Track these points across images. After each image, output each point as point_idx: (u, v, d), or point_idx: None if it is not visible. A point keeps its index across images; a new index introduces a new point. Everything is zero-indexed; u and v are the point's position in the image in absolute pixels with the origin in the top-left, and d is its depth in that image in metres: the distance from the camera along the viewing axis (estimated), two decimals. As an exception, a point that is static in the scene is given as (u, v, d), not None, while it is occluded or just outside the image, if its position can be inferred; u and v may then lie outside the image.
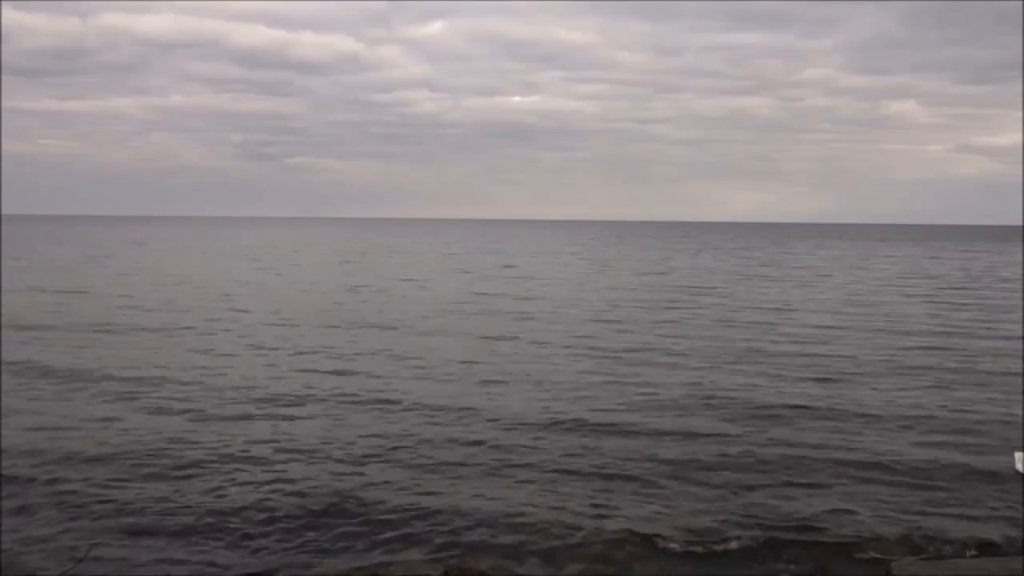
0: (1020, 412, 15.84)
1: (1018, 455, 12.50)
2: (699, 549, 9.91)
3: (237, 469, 12.51)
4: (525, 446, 13.76)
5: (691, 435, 14.41)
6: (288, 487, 11.76)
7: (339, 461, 12.95)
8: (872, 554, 9.75)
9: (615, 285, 45.04)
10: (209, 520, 10.58)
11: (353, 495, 11.46)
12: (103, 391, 17.36)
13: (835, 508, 11.10)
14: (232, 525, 10.44)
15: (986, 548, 9.89)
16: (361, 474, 12.35)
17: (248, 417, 15.49)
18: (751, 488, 11.86)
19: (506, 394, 17.48)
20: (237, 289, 40.37)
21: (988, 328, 27.88)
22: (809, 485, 11.99)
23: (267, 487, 11.76)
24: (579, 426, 14.97)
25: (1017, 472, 12.24)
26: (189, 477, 12.14)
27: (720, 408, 16.36)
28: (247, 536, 10.15)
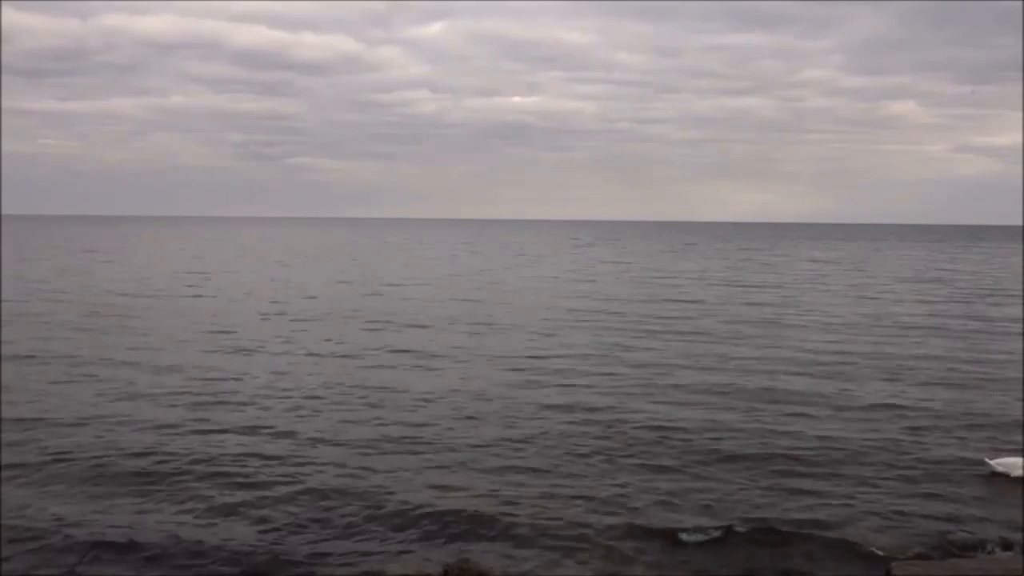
0: (1020, 415, 15.85)
1: (992, 460, 12.54)
2: (699, 548, 9.92)
3: (233, 471, 12.52)
4: (524, 447, 13.80)
5: (690, 435, 14.43)
6: (288, 488, 11.77)
7: (338, 462, 12.96)
8: (872, 554, 9.75)
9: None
10: (207, 519, 10.59)
11: (353, 495, 11.48)
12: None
13: (836, 508, 11.12)
14: (230, 525, 10.45)
15: (986, 548, 9.91)
16: (361, 475, 12.36)
17: (243, 419, 15.52)
18: (751, 488, 11.88)
19: (499, 396, 17.50)
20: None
21: (991, 330, 27.89)
22: (810, 485, 12.00)
23: (266, 488, 11.77)
24: (576, 426, 15.00)
25: (996, 473, 12.32)
26: (185, 479, 12.16)
27: (719, 408, 16.38)
28: (246, 536, 10.15)
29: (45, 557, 9.58)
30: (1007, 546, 9.98)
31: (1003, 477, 12.21)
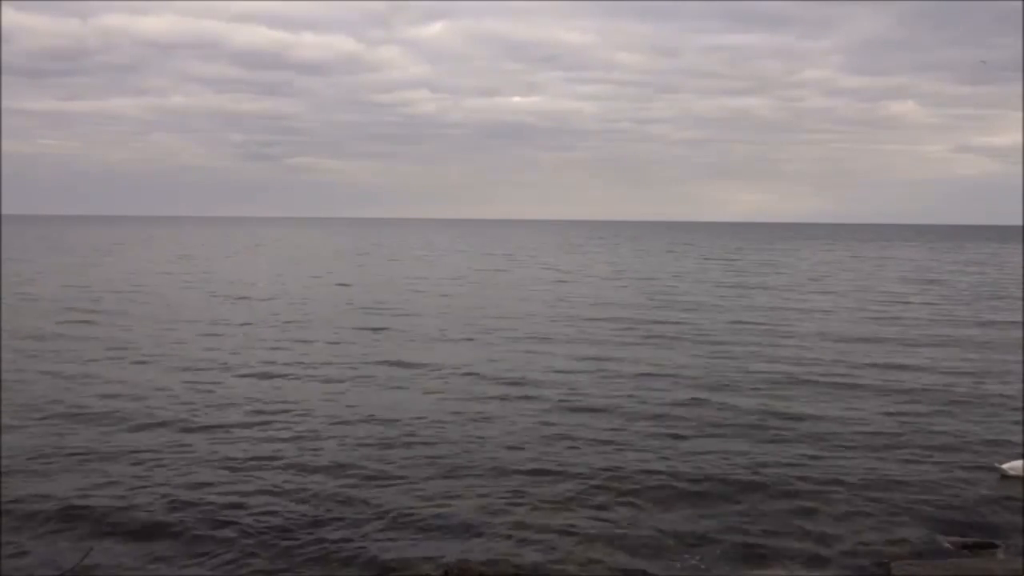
0: (1020, 413, 15.83)
1: (1003, 464, 12.54)
2: (698, 548, 9.91)
3: (234, 472, 12.52)
4: (523, 448, 13.79)
5: (689, 438, 14.43)
6: (287, 488, 11.76)
7: (338, 462, 12.96)
8: (872, 554, 9.75)
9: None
10: (208, 523, 10.56)
11: (353, 496, 11.47)
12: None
13: (836, 509, 11.10)
14: (231, 528, 10.43)
15: (986, 548, 9.90)
16: (360, 475, 12.35)
17: (241, 419, 15.50)
18: (751, 489, 11.85)
19: (499, 396, 17.45)
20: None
21: (994, 333, 27.86)
22: (810, 487, 11.98)
23: (264, 489, 11.75)
24: (574, 429, 15.00)
25: (1007, 476, 12.30)
26: (186, 481, 12.15)
27: (719, 410, 16.36)
28: (247, 537, 10.14)
29: (45, 558, 9.56)
30: (1008, 545, 9.97)
31: (1013, 480, 12.18)
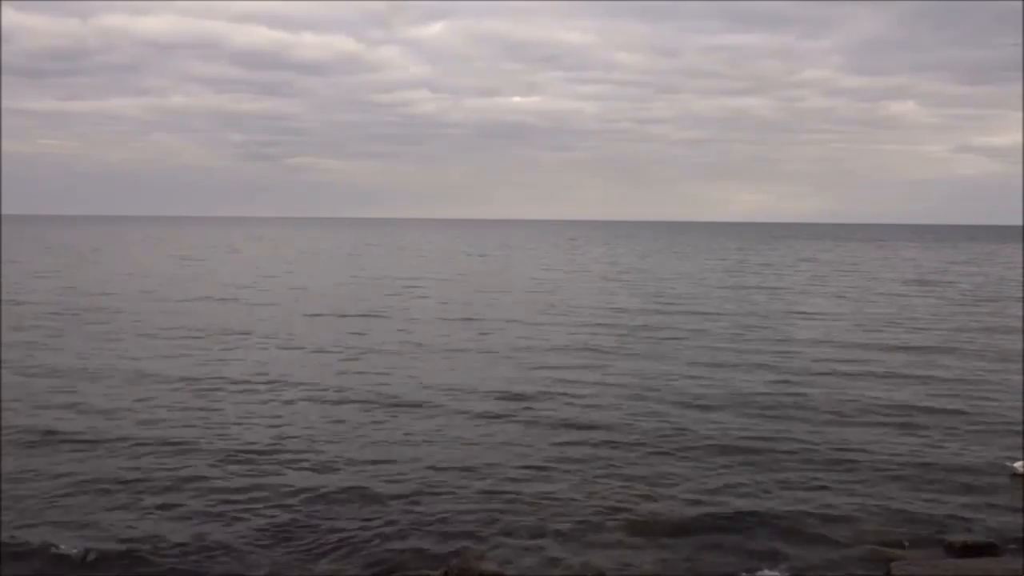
0: (1020, 416, 15.81)
1: (1015, 463, 12.52)
2: (697, 547, 9.90)
3: (232, 469, 12.51)
4: (525, 445, 13.78)
5: (688, 432, 14.42)
6: (285, 487, 11.74)
7: (337, 461, 12.94)
8: (872, 554, 9.74)
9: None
10: (205, 521, 10.54)
11: (353, 495, 11.45)
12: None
13: (836, 509, 11.09)
14: (229, 525, 10.42)
15: (986, 548, 9.88)
16: (360, 474, 12.33)
17: (247, 415, 15.48)
18: (750, 488, 11.86)
19: (496, 407, 17.35)
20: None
21: (991, 330, 27.82)
22: (809, 486, 11.98)
23: (263, 487, 11.74)
24: (572, 423, 14.98)
25: (1016, 475, 12.27)
26: (184, 476, 12.14)
27: (719, 408, 16.35)
28: (244, 537, 10.12)
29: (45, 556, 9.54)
30: (1008, 545, 9.95)
31: (1018, 479, 12.14)
